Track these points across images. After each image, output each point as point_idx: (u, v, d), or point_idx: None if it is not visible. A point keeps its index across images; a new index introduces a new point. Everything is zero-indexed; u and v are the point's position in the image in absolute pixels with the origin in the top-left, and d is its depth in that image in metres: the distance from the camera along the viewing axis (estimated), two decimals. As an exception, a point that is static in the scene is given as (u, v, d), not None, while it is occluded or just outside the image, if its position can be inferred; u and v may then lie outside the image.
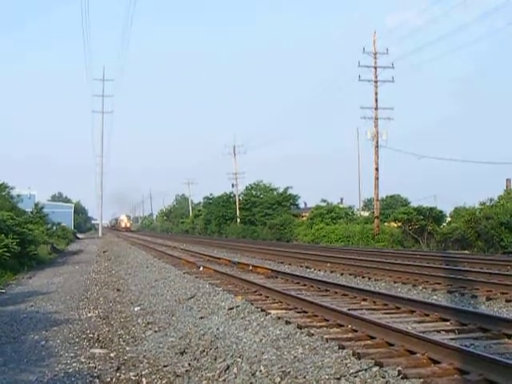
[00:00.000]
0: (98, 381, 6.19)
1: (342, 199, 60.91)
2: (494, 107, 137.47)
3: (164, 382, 6.12)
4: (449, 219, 39.49)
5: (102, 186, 74.57)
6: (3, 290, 14.23)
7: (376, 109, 38.96)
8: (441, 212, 38.53)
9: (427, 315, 8.25)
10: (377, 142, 38.57)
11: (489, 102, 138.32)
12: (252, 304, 9.64)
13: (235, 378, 5.85)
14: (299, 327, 7.43)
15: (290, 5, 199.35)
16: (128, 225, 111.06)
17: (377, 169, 38.70)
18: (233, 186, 69.79)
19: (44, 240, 30.75)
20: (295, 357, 6.16)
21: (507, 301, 10.25)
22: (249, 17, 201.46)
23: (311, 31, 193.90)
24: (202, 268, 17.50)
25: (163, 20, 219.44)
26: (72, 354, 7.33)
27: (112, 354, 7.39)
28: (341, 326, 7.56)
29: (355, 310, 8.74)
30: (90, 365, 6.82)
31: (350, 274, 15.96)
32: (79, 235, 75.32)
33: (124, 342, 8.21)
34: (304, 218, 54.40)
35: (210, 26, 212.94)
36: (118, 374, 6.42)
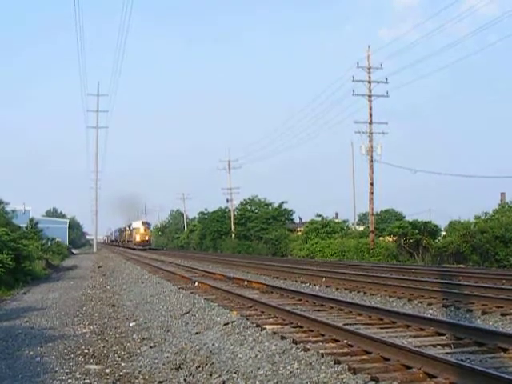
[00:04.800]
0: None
1: (336, 214, 61.12)
2: (488, 120, 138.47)
3: (160, 398, 6.11)
4: (444, 233, 39.59)
5: (96, 202, 74.21)
6: (-3, 306, 14.16)
7: (370, 123, 39.11)
8: (436, 226, 38.68)
9: (423, 329, 8.24)
10: (371, 157, 38.64)
11: (482, 115, 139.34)
12: (247, 319, 9.62)
13: (231, 393, 5.84)
14: (295, 342, 7.42)
15: (284, 19, 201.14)
16: (147, 237, 71.55)
17: (372, 183, 38.72)
18: (228, 201, 69.75)
19: (39, 255, 30.71)
20: (291, 372, 6.15)
21: (502, 314, 10.26)
22: (244, 34, 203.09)
23: (305, 46, 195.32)
24: (197, 283, 17.45)
25: (157, 35, 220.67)
26: (67, 370, 7.30)
27: (107, 370, 7.36)
28: (336, 340, 7.55)
29: (351, 324, 8.73)
30: (86, 381, 6.79)
31: (345, 289, 15.94)
32: (74, 251, 75.15)
33: (119, 357, 8.18)
34: (299, 233, 54.40)
35: (204, 42, 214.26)
36: (113, 390, 6.40)
